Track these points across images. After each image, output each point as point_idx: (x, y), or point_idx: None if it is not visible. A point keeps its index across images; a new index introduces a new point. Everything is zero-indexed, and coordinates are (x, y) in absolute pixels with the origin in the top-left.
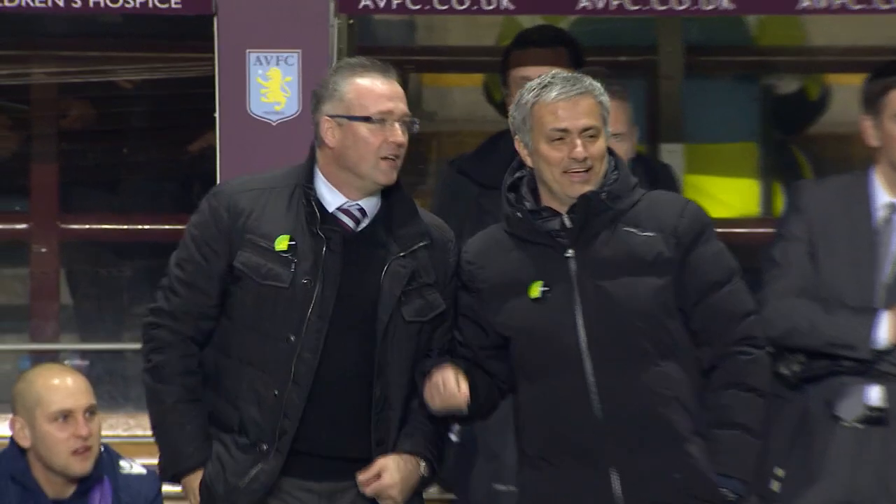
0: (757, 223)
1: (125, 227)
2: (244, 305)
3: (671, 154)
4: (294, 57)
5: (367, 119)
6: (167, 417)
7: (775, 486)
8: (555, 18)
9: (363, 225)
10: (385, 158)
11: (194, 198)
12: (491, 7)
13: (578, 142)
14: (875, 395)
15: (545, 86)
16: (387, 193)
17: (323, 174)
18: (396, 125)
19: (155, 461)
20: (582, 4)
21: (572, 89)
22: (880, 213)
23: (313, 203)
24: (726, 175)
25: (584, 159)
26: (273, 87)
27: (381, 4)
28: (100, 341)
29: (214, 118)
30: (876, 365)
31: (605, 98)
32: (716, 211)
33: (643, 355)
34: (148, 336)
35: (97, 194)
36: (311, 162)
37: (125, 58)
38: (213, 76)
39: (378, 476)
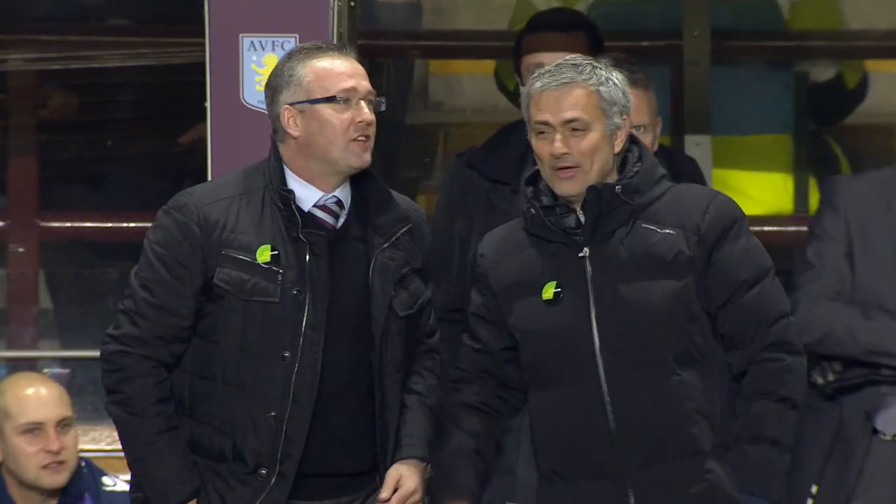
0: (790, 221)
1: (110, 225)
2: (229, 325)
3: (697, 147)
4: (291, 42)
5: (330, 99)
6: (149, 451)
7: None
8: (572, 0)
9: (342, 219)
10: (355, 140)
11: None
12: None
13: (557, 136)
14: None
15: (537, 76)
16: (356, 180)
17: (292, 170)
18: (362, 103)
19: None
20: None
21: (559, 78)
22: None
23: (292, 206)
24: (757, 169)
25: (562, 155)
26: (269, 74)
27: None
28: (82, 348)
29: (205, 108)
30: None
31: (608, 88)
32: (746, 208)
33: (661, 363)
34: (114, 365)
35: (79, 190)
36: (278, 157)
37: (109, 43)
38: (204, 62)
39: (397, 488)
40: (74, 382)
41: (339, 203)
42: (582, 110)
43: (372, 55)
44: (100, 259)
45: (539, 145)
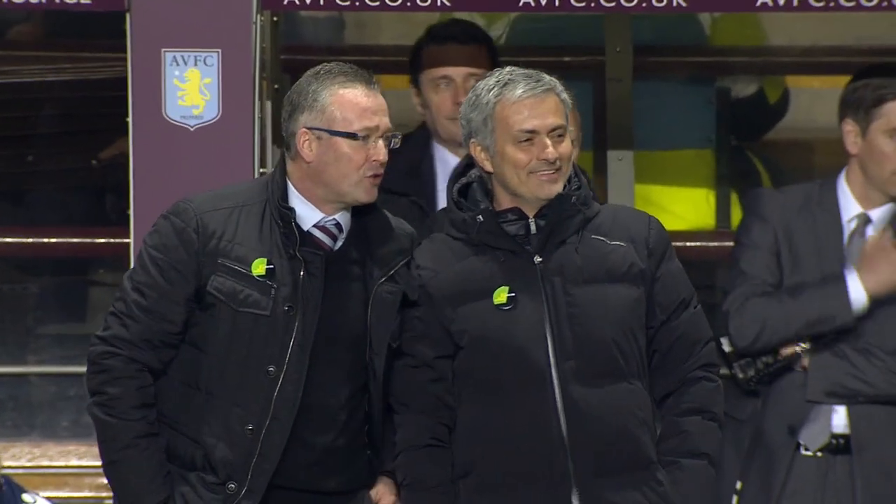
0: (712, 237)
1: (30, 240)
2: (217, 334)
3: (620, 162)
4: (214, 57)
5: (351, 136)
6: (125, 454)
7: (735, 501)
8: (494, 15)
9: (340, 242)
10: (368, 177)
11: (106, 209)
12: (426, 3)
13: (549, 142)
14: (841, 420)
15: (506, 83)
16: (358, 207)
17: (297, 189)
18: (380, 142)
19: (61, 494)
20: (524, 0)
21: (538, 86)
22: (851, 225)
23: (292, 224)
24: (679, 185)
25: (555, 160)
26: (191, 89)
27: (308, 0)
28: (2, 364)
29: (127, 123)
30: (842, 381)
31: (566, 95)
32: (668, 224)
33: (616, 371)
34: (100, 366)
35: (0, 205)
36: (283, 175)
37: (30, 57)
38: (126, 77)
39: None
40: None
41: (338, 226)
42: (561, 117)
43: (294, 70)
44: (20, 274)
45: (518, 153)
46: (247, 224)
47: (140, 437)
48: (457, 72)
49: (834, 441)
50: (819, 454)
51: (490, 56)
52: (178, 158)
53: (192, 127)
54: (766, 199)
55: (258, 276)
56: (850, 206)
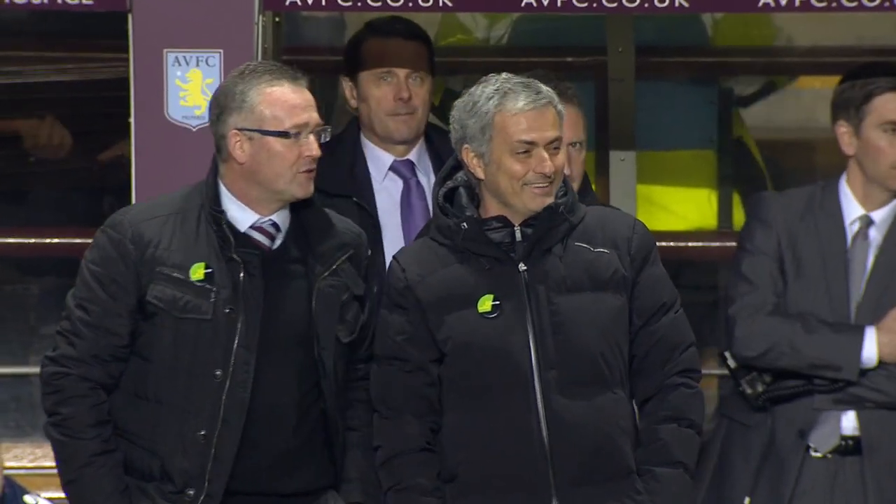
0: (714, 237)
1: (31, 240)
2: (161, 343)
3: (622, 162)
4: (216, 57)
5: (282, 134)
6: (82, 473)
7: None
8: (496, 16)
9: (278, 241)
10: (302, 172)
11: (107, 210)
12: (428, 4)
13: (546, 155)
14: (850, 423)
15: (506, 93)
16: (295, 205)
17: (231, 191)
18: (311, 137)
19: (63, 495)
20: (527, 1)
21: (539, 98)
22: (853, 227)
23: (224, 226)
24: (681, 185)
25: (551, 174)
26: (193, 89)
27: (310, 1)
28: (4, 364)
29: (129, 123)
30: (850, 388)
31: (561, 106)
32: (670, 224)
33: (599, 380)
34: (52, 387)
35: (0, 205)
36: (215, 178)
37: (31, 58)
38: (128, 78)
39: None
40: None
41: (275, 225)
42: (558, 129)
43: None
44: (21, 274)
45: (515, 164)
46: (183, 230)
47: (96, 455)
48: (401, 67)
49: (843, 443)
50: (829, 456)
51: (429, 55)
52: (179, 159)
53: (193, 127)
54: (769, 203)
55: (197, 280)
56: (852, 209)
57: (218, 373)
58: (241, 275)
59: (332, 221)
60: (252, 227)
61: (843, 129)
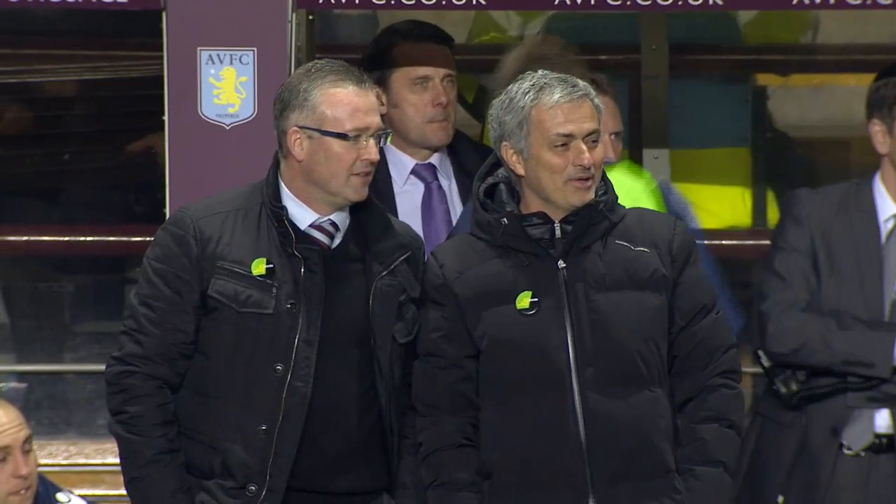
0: (748, 235)
1: (66, 238)
2: (221, 337)
3: (656, 160)
4: (249, 55)
5: (341, 136)
6: (147, 471)
7: None
8: (529, 14)
9: (337, 240)
10: (357, 175)
11: (140, 208)
12: (462, 2)
13: (584, 147)
14: (884, 421)
15: (542, 87)
16: (355, 206)
17: (290, 190)
18: (371, 141)
19: (97, 492)
20: None
21: (574, 91)
22: (888, 225)
23: (285, 222)
24: (715, 183)
25: (590, 166)
26: (227, 87)
27: None
28: (39, 362)
29: (163, 121)
30: (883, 386)
31: (598, 100)
32: (704, 222)
33: (637, 378)
34: (118, 386)
35: (36, 204)
36: (276, 175)
37: (65, 56)
38: (162, 76)
39: None
40: (31, 397)
41: (334, 225)
42: (596, 122)
43: None
44: (56, 273)
45: (554, 157)
46: (244, 227)
47: (162, 454)
48: (437, 72)
49: (877, 441)
50: (862, 454)
51: (453, 59)
52: (213, 157)
53: (227, 125)
54: (803, 200)
55: (258, 275)
56: (886, 206)
57: (279, 367)
58: (302, 271)
59: (391, 223)
60: (311, 225)
61: (877, 128)
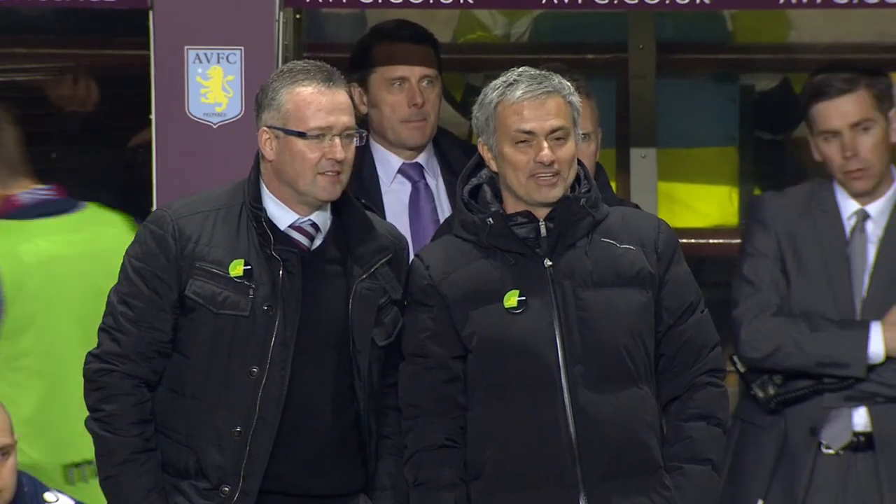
0: (736, 234)
1: None
2: (199, 338)
3: (643, 160)
4: (236, 54)
5: (301, 134)
6: (122, 469)
7: None
8: (516, 13)
9: (318, 241)
10: (323, 174)
11: (128, 207)
12: (449, 1)
13: (545, 144)
14: (862, 419)
15: (510, 84)
16: (337, 206)
17: (268, 189)
18: (336, 140)
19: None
20: None
21: (539, 88)
22: (850, 222)
23: (264, 223)
24: (703, 182)
25: (552, 163)
26: (214, 86)
27: None
28: None
29: (150, 120)
30: (860, 385)
31: (576, 98)
32: (692, 221)
33: (625, 375)
34: (96, 383)
35: None
36: (257, 175)
37: (53, 55)
38: (149, 74)
39: None
40: None
41: (314, 226)
42: (563, 119)
43: None
44: None
45: (517, 154)
46: (224, 227)
47: (137, 453)
48: (413, 72)
49: (856, 439)
50: (841, 452)
51: (437, 58)
52: (200, 156)
53: (214, 124)
54: (767, 204)
55: (236, 277)
56: (848, 204)
57: (254, 369)
58: (281, 273)
59: (373, 225)
60: (291, 226)
61: (809, 137)
